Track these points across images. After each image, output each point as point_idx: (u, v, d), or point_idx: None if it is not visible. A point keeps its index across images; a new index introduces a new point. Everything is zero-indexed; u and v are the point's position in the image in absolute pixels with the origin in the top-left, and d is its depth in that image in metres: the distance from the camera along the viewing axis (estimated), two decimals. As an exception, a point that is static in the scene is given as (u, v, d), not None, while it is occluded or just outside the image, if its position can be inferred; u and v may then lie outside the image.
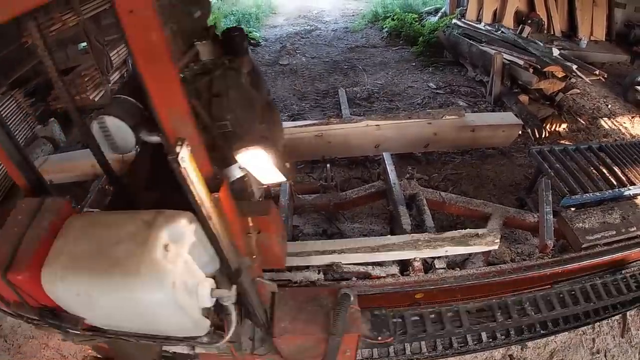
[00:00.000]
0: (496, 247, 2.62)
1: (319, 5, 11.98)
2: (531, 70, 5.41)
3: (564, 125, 5.12)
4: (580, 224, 2.71)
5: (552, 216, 2.82)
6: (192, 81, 1.73)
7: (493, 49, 6.18)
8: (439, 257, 2.60)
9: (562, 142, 3.55)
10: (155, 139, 1.47)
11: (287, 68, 7.75)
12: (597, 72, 5.48)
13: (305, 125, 4.37)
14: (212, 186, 1.22)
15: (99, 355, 2.54)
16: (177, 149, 1.04)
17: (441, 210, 3.35)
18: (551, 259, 2.64)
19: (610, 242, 2.71)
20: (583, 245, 2.62)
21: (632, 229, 2.74)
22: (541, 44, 6.35)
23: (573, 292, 2.56)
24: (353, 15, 10.89)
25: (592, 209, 2.85)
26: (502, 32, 6.95)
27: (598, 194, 2.94)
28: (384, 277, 2.51)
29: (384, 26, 9.32)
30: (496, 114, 5.01)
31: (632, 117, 5.35)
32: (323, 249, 2.54)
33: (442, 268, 2.55)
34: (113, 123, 1.50)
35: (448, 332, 2.37)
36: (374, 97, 6.39)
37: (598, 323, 2.93)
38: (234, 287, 1.39)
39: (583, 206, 2.95)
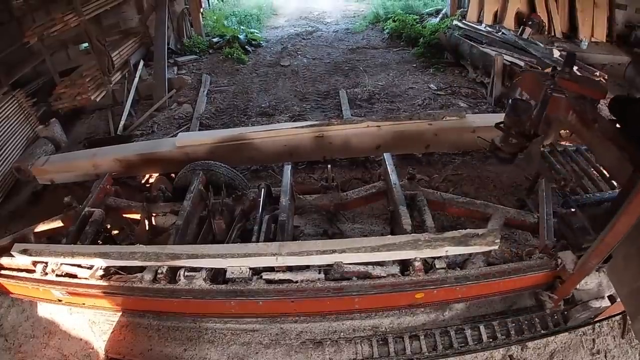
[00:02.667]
0: (496, 247, 2.62)
1: (320, 6, 12.01)
2: (532, 71, 5.42)
3: (564, 126, 5.10)
4: (580, 224, 2.70)
5: (552, 216, 2.81)
6: None
7: (494, 50, 6.19)
8: (439, 257, 2.60)
9: (563, 142, 3.54)
10: None
11: (289, 69, 7.76)
12: (597, 73, 5.48)
13: (306, 126, 4.38)
14: None
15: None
16: None
17: (442, 210, 3.35)
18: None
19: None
20: (583, 246, 2.62)
21: (632, 230, 2.73)
22: (542, 45, 6.37)
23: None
24: (354, 17, 10.91)
25: (593, 209, 2.84)
26: (503, 33, 6.96)
27: (598, 194, 2.93)
28: (384, 276, 2.51)
29: (385, 27, 9.33)
30: (497, 115, 4.99)
31: (633, 119, 5.34)
32: (324, 248, 2.54)
33: (442, 268, 2.54)
34: None
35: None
36: (375, 98, 6.40)
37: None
38: None
39: (583, 207, 2.94)
